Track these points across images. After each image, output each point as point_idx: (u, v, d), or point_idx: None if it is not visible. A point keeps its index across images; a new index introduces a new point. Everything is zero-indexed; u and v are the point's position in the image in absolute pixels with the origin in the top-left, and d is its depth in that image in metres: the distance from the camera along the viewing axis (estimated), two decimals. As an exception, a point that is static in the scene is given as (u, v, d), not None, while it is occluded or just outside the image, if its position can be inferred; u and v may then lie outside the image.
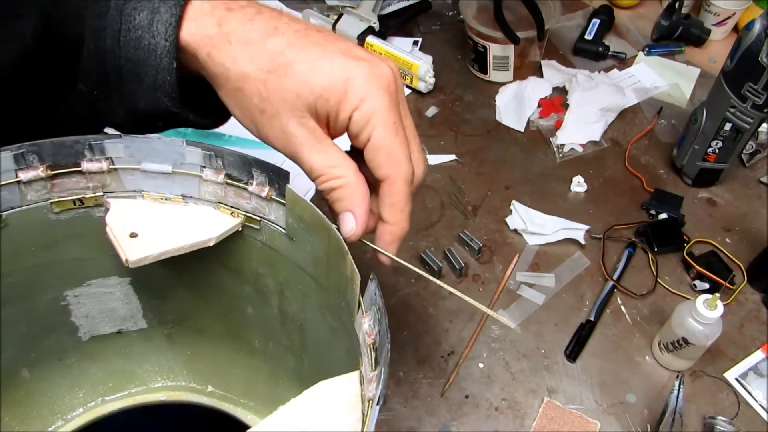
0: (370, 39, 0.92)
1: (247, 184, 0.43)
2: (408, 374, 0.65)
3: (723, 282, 0.69)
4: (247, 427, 0.55)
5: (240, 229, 0.45)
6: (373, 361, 0.36)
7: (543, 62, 0.93)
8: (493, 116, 0.89)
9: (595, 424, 0.62)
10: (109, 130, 0.44)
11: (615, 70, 0.93)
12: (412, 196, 0.41)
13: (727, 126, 0.70)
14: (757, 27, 0.63)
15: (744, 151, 0.80)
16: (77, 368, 0.55)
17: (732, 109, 0.69)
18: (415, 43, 0.98)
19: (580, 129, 0.85)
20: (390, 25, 0.97)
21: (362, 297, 0.38)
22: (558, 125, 0.86)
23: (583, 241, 0.74)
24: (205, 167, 0.43)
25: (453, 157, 0.84)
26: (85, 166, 0.42)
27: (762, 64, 0.63)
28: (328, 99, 0.37)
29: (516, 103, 0.89)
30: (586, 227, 0.75)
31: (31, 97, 0.42)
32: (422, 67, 0.88)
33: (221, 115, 0.44)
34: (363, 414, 0.36)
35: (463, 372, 0.65)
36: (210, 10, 0.38)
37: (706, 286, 0.70)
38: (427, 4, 1.01)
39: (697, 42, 0.95)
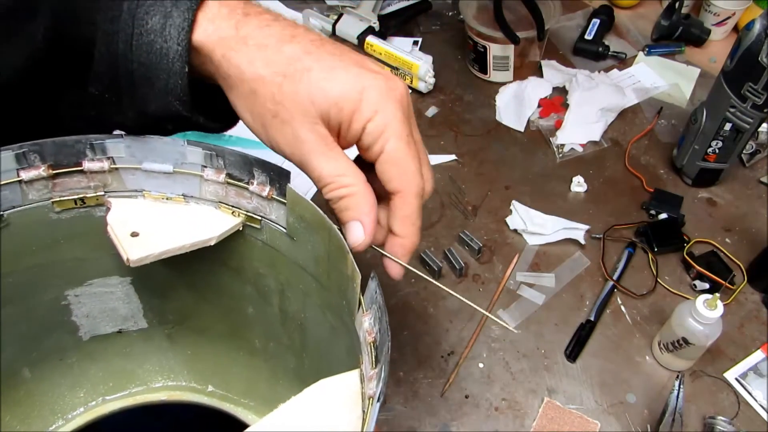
0: (370, 39, 0.92)
1: (248, 183, 0.43)
2: (408, 374, 0.65)
3: (723, 282, 0.69)
4: (248, 426, 0.55)
5: (241, 229, 0.45)
6: (374, 359, 0.36)
7: (543, 62, 0.93)
8: (493, 116, 0.89)
9: (595, 424, 0.62)
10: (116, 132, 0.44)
11: (615, 70, 0.93)
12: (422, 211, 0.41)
13: (727, 126, 0.70)
14: (757, 27, 0.63)
15: (744, 151, 0.80)
16: (78, 368, 0.55)
17: (732, 109, 0.69)
18: (415, 43, 0.98)
19: (580, 129, 0.85)
20: (390, 25, 0.97)
21: (363, 295, 0.38)
22: (558, 125, 0.86)
23: (583, 241, 0.74)
24: (206, 167, 0.43)
25: (453, 157, 0.84)
26: (87, 165, 0.42)
27: (762, 64, 0.63)
28: (342, 108, 0.37)
29: (516, 103, 0.89)
30: (586, 227, 0.75)
31: (37, 98, 0.42)
32: (422, 67, 0.88)
33: (229, 119, 0.44)
34: (363, 412, 0.36)
35: (463, 372, 0.65)
36: (227, 14, 0.39)
37: (706, 286, 0.70)
38: (427, 4, 1.01)
39: (697, 42, 0.95)
